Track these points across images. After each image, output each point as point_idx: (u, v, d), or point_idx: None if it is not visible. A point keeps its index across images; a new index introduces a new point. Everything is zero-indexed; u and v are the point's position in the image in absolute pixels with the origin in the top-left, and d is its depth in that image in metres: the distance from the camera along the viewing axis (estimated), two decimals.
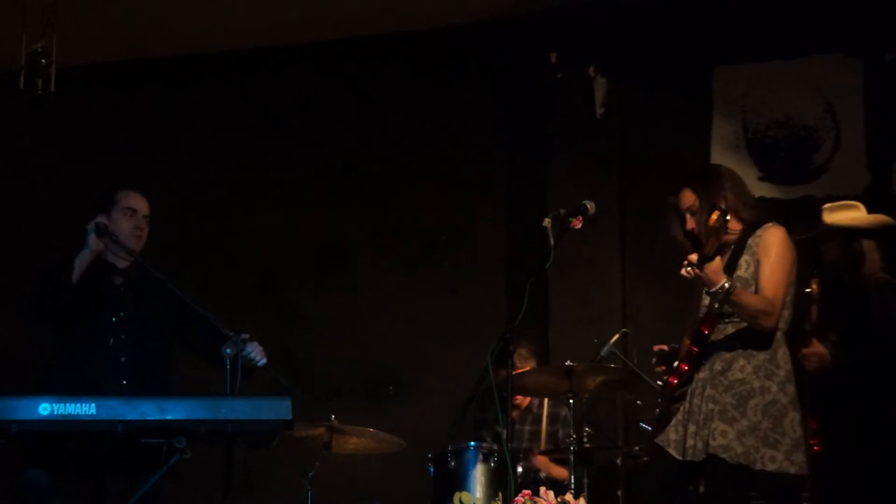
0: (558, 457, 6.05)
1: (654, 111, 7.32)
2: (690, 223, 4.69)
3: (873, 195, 6.63)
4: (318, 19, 7.64)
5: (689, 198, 4.71)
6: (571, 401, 5.68)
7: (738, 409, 4.50)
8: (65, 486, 4.61)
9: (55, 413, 3.87)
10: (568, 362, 5.63)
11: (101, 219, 4.91)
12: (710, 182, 4.71)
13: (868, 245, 5.38)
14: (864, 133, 6.90)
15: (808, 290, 5.29)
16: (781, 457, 4.48)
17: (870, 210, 5.48)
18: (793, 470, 4.50)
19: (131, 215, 5.04)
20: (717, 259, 4.50)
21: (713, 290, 4.50)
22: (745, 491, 4.56)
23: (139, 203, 5.08)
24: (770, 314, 4.53)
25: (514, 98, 7.67)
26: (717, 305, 4.55)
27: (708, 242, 4.49)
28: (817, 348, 5.25)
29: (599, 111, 7.27)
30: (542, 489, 4.76)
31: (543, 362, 6.76)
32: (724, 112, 7.18)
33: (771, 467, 4.47)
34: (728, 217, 4.49)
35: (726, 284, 4.46)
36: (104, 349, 4.81)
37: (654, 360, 4.87)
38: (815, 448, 5.25)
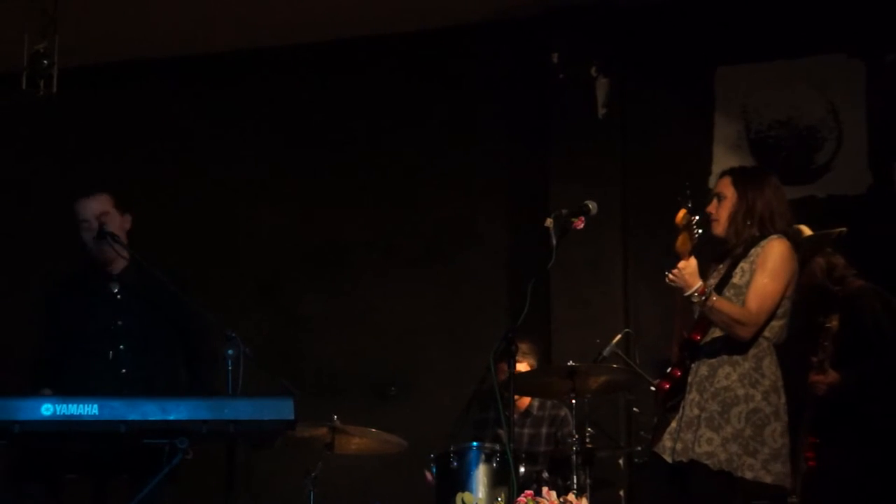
0: (560, 457, 6.05)
1: (657, 111, 7.30)
2: (711, 207, 4.69)
3: (875, 195, 6.64)
4: (318, 19, 7.63)
5: (724, 184, 4.72)
6: (574, 401, 5.67)
7: (723, 417, 4.49)
8: (63, 495, 4.57)
9: (57, 413, 3.87)
10: (570, 362, 5.63)
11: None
12: (752, 180, 4.70)
13: (819, 261, 5.47)
14: (867, 133, 6.89)
15: (827, 325, 5.30)
16: (758, 465, 4.47)
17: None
18: (768, 480, 4.48)
19: (86, 226, 4.85)
20: (693, 261, 4.48)
21: (688, 293, 4.48)
22: (728, 497, 4.52)
23: (85, 208, 4.87)
24: (747, 326, 4.50)
25: (515, 98, 7.66)
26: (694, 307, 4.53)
27: (678, 240, 4.47)
28: (831, 377, 5.25)
29: (601, 111, 7.26)
30: (545, 489, 4.76)
31: (545, 362, 6.76)
32: (727, 112, 7.18)
33: (749, 475, 4.46)
34: (695, 217, 4.46)
35: (705, 289, 4.45)
36: (104, 360, 4.75)
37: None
38: (810, 462, 5.25)
